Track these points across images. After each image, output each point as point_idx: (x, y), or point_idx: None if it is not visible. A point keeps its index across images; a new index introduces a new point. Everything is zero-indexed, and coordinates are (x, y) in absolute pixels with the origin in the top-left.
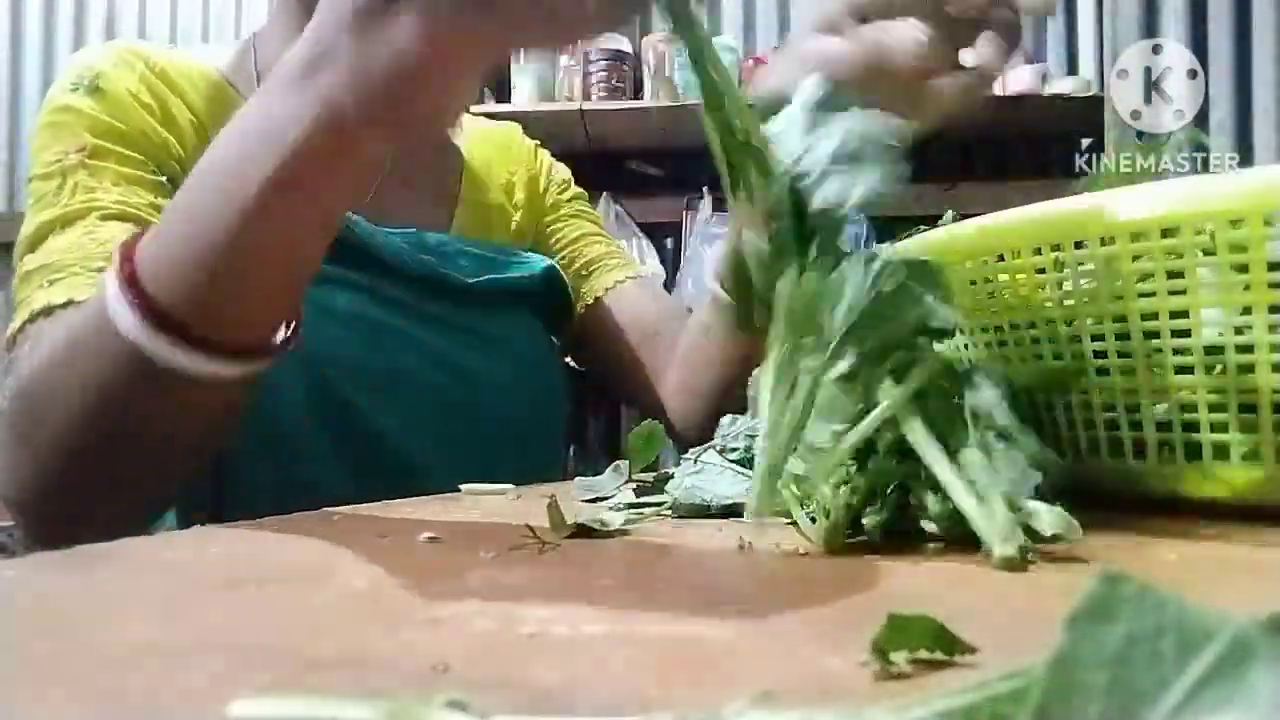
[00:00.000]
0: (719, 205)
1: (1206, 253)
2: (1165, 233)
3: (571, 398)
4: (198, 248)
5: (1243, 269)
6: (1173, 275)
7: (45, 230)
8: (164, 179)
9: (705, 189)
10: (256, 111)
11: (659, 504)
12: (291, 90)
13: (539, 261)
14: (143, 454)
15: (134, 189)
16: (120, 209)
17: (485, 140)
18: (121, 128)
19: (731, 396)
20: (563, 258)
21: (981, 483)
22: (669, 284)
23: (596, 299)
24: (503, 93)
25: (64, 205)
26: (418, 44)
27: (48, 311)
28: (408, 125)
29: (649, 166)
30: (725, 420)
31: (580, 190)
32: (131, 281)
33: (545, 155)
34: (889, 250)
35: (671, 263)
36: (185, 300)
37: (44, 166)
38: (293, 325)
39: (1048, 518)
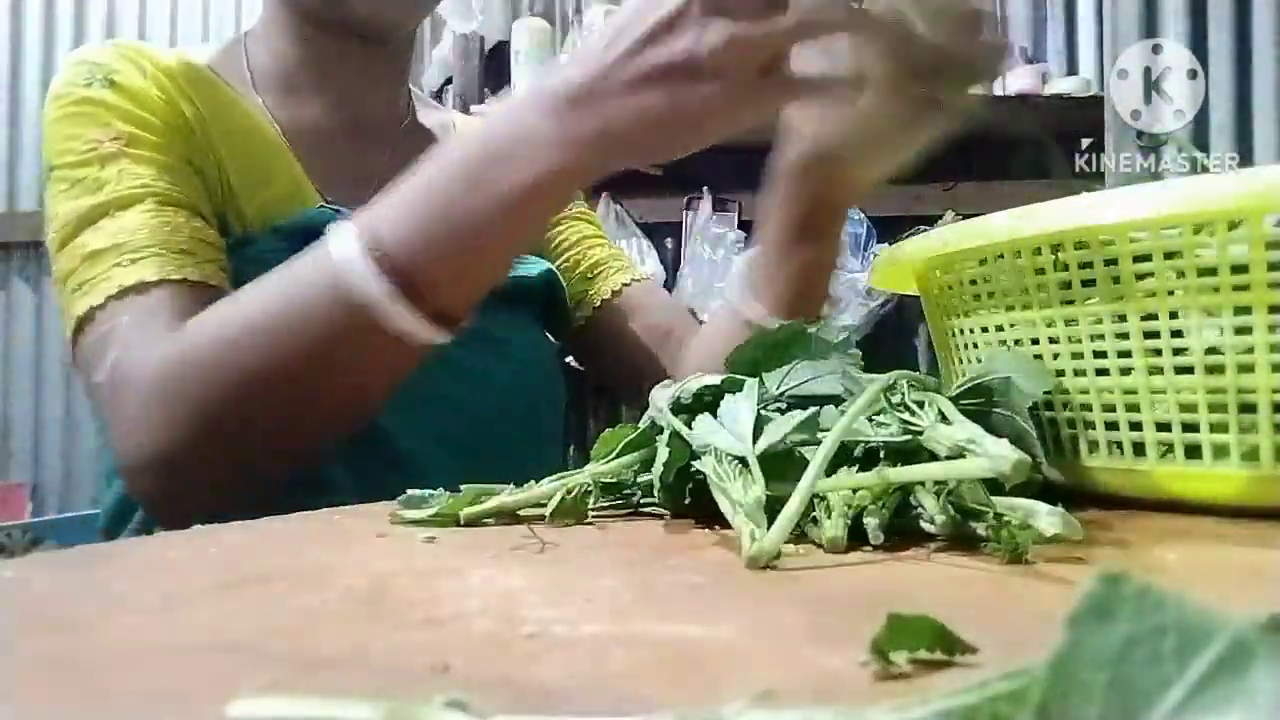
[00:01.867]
0: (719, 205)
1: (1204, 273)
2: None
3: (571, 398)
4: (444, 229)
5: (1243, 269)
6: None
7: (97, 213)
8: (197, 168)
9: (705, 189)
10: (507, 130)
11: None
12: (546, 119)
13: (537, 264)
14: (323, 413)
15: (178, 175)
16: (178, 196)
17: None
18: (148, 118)
19: None
20: (565, 260)
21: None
22: (669, 284)
23: (604, 301)
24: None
25: (113, 190)
26: (715, 47)
27: (141, 288)
28: (668, 151)
29: (649, 167)
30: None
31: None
32: (378, 249)
33: None
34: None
35: (671, 263)
36: (427, 271)
37: (76, 154)
38: None
39: (1048, 518)
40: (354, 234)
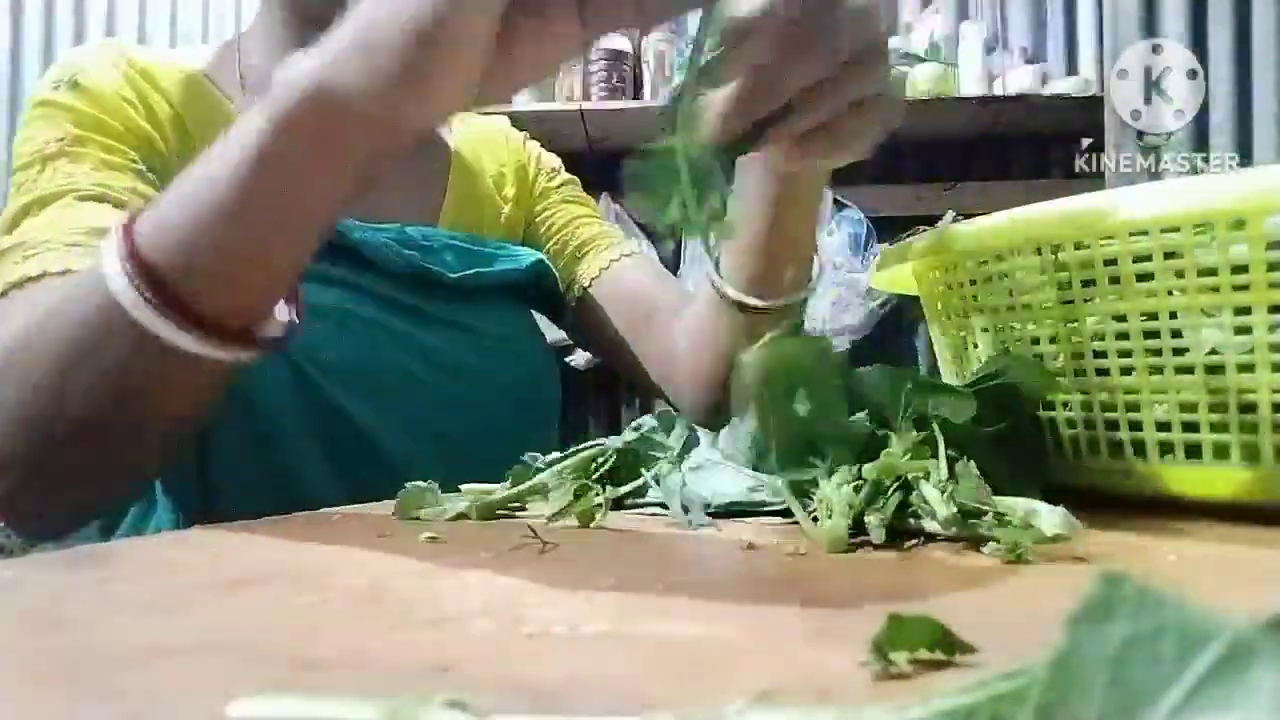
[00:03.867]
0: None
1: (1204, 273)
2: (1165, 233)
3: (570, 395)
4: (194, 221)
5: (1243, 269)
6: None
7: (21, 214)
8: (145, 168)
9: None
10: (248, 109)
11: (658, 502)
12: (290, 64)
13: (526, 255)
14: (120, 429)
15: (114, 174)
16: (99, 190)
17: (474, 133)
18: (103, 119)
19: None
20: (555, 243)
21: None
22: None
23: (592, 280)
24: None
25: (41, 190)
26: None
27: (19, 284)
28: (400, 121)
29: None
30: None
31: (571, 177)
32: (132, 253)
33: (534, 146)
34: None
35: (672, 263)
36: (181, 275)
37: (24, 157)
38: (287, 322)
39: (1048, 518)
40: (116, 232)
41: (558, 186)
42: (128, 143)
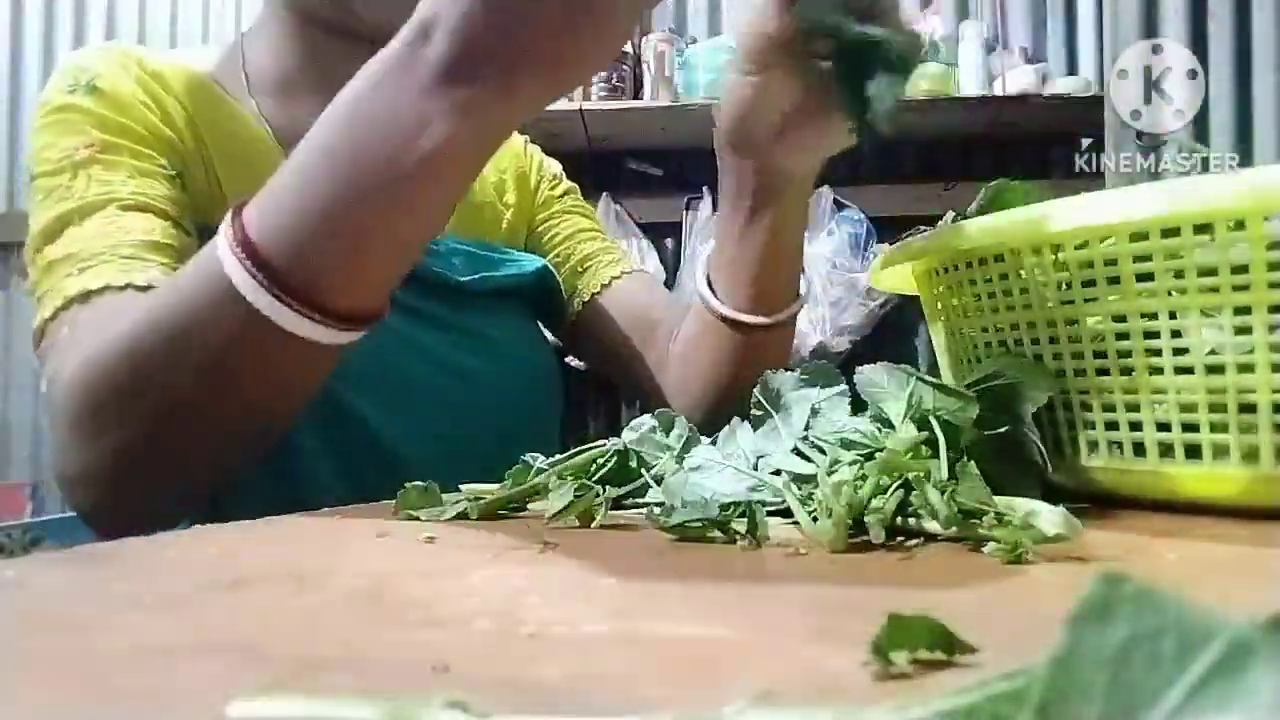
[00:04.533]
0: (719, 205)
1: (1204, 273)
2: (1165, 233)
3: (569, 397)
4: (313, 225)
5: (1243, 269)
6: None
7: (64, 222)
8: (175, 173)
9: (705, 189)
10: (386, 104)
11: (659, 502)
12: (427, 93)
13: (531, 261)
14: (235, 421)
15: (149, 181)
16: (141, 200)
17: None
18: (128, 124)
19: (730, 397)
20: (557, 254)
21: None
22: (669, 284)
23: (593, 295)
24: None
25: (80, 197)
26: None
27: (83, 297)
28: (559, 88)
29: (649, 166)
30: (736, 422)
31: (572, 185)
32: (249, 249)
33: (535, 151)
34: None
35: (671, 263)
36: (302, 267)
37: (51, 163)
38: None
39: (1049, 518)
40: (229, 226)
41: (560, 195)
42: (153, 147)
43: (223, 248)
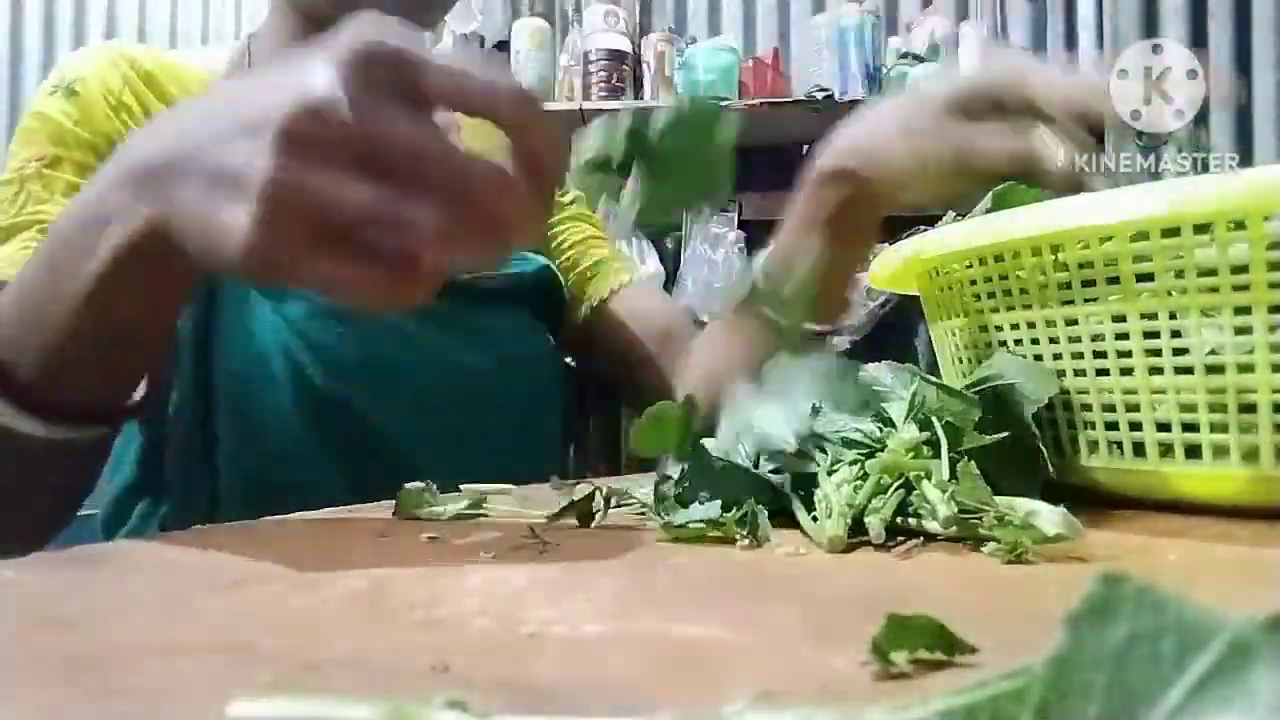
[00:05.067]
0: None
1: (1204, 273)
2: (1165, 233)
3: (571, 398)
4: (31, 319)
5: (1243, 269)
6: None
7: None
8: None
9: None
10: (86, 206)
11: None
12: (115, 196)
13: (533, 261)
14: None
15: None
16: None
17: (480, 138)
18: (85, 136)
19: None
20: (566, 259)
21: None
22: (669, 284)
23: (603, 301)
24: None
25: (11, 217)
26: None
27: None
28: (222, 262)
29: None
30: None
31: (579, 193)
32: None
33: None
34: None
35: (672, 263)
36: (26, 365)
37: (10, 172)
38: (144, 391)
39: (1049, 518)
40: None
41: (568, 202)
42: (106, 158)
43: None
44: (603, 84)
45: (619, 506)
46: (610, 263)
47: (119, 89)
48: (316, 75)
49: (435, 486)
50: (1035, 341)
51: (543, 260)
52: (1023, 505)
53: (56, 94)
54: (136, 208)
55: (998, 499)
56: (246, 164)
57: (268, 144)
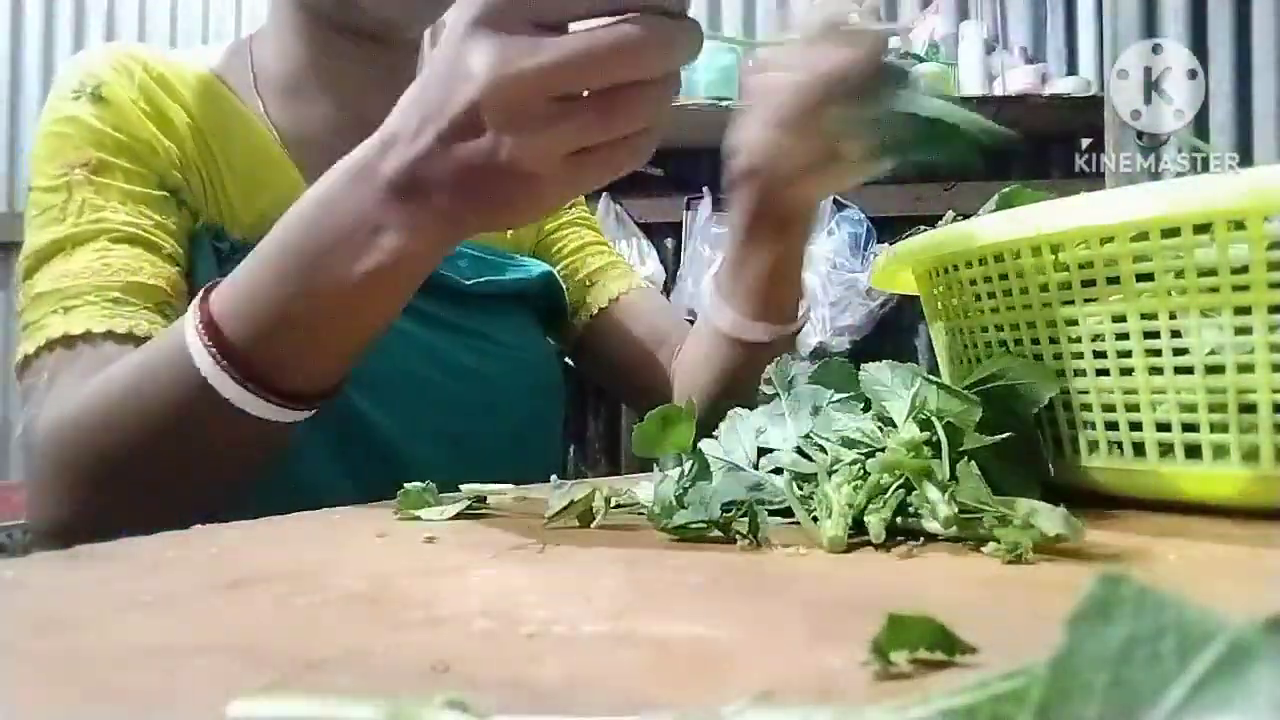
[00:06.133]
0: (719, 205)
1: (1204, 273)
2: (1165, 233)
3: (571, 398)
4: (277, 312)
5: (1243, 269)
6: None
7: (54, 250)
8: (167, 193)
9: (705, 189)
10: (342, 210)
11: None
12: (382, 205)
13: (536, 266)
14: (191, 482)
15: (140, 208)
16: (131, 232)
17: None
18: (125, 140)
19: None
20: (565, 268)
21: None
22: (669, 284)
23: (602, 309)
24: None
25: (72, 224)
26: (510, 153)
27: (67, 341)
28: (501, 225)
29: (649, 166)
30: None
31: (578, 198)
32: (210, 327)
33: None
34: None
35: (672, 263)
36: (258, 352)
37: (48, 179)
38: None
39: (1049, 518)
40: (197, 307)
41: (569, 207)
42: (150, 164)
43: (189, 326)
44: None
45: (619, 506)
46: (609, 269)
47: (136, 95)
48: (479, 44)
49: (435, 487)
50: (1035, 341)
51: (545, 266)
52: (1023, 505)
53: (81, 99)
54: (406, 216)
55: (998, 499)
56: (474, 143)
57: (472, 119)
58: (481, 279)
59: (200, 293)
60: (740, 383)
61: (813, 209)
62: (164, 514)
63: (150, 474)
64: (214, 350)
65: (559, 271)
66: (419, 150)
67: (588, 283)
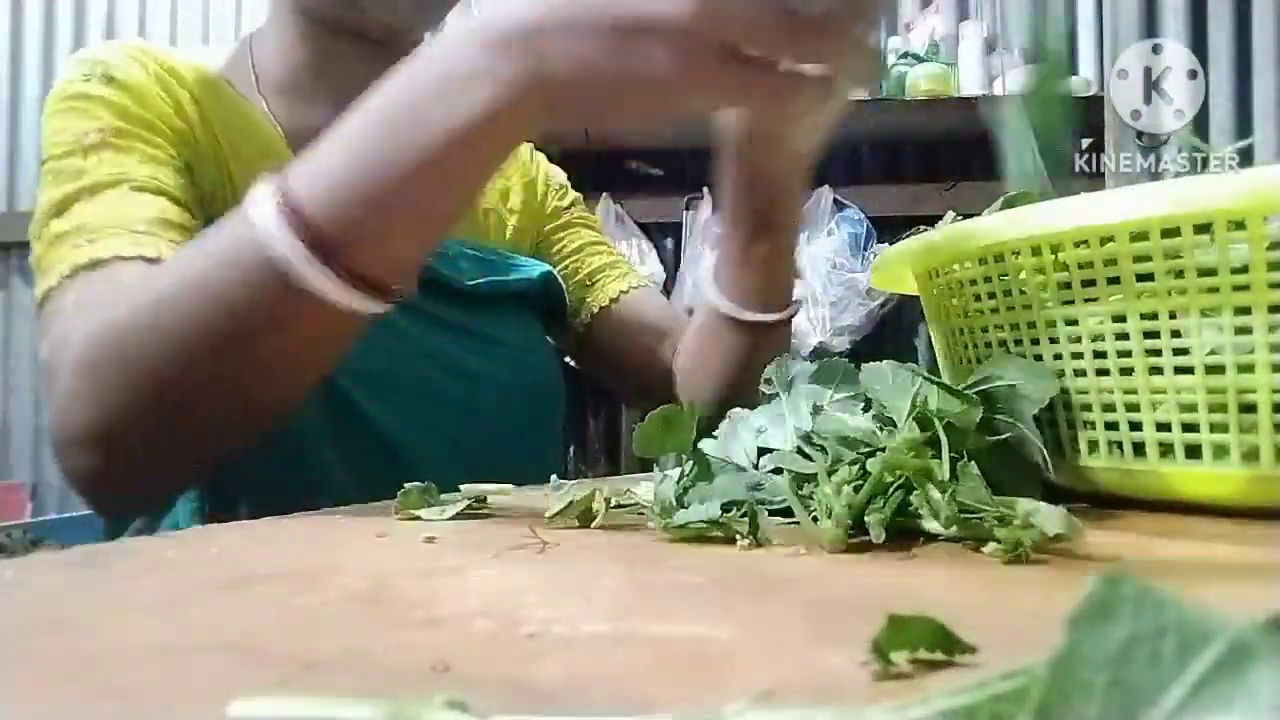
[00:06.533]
0: (719, 205)
1: (1204, 273)
2: (1165, 233)
3: (571, 398)
4: (363, 184)
5: (1243, 269)
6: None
7: (72, 198)
8: (186, 164)
9: (705, 189)
10: (438, 66)
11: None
12: (481, 52)
13: (536, 266)
14: (249, 389)
15: (162, 169)
16: (154, 184)
17: None
18: (142, 113)
19: (736, 396)
20: (565, 268)
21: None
22: (669, 284)
23: (602, 309)
24: None
25: (91, 177)
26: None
27: (92, 265)
28: (610, 119)
29: (649, 166)
30: (736, 413)
31: (577, 195)
32: (290, 204)
33: (541, 159)
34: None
35: (672, 263)
36: (344, 229)
37: (63, 146)
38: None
39: (1049, 517)
40: (270, 189)
41: (567, 206)
42: (165, 138)
43: (263, 209)
44: None
45: (619, 506)
46: (610, 269)
47: (149, 81)
48: None
49: (435, 488)
50: (1035, 342)
51: (545, 267)
52: (1023, 505)
53: (92, 80)
54: (508, 67)
55: (999, 499)
56: (657, 9)
57: None
58: (482, 279)
59: (266, 177)
60: (741, 367)
61: (797, 184)
62: (208, 422)
63: (205, 369)
64: (289, 227)
65: (559, 271)
66: (534, 7)
67: (588, 282)
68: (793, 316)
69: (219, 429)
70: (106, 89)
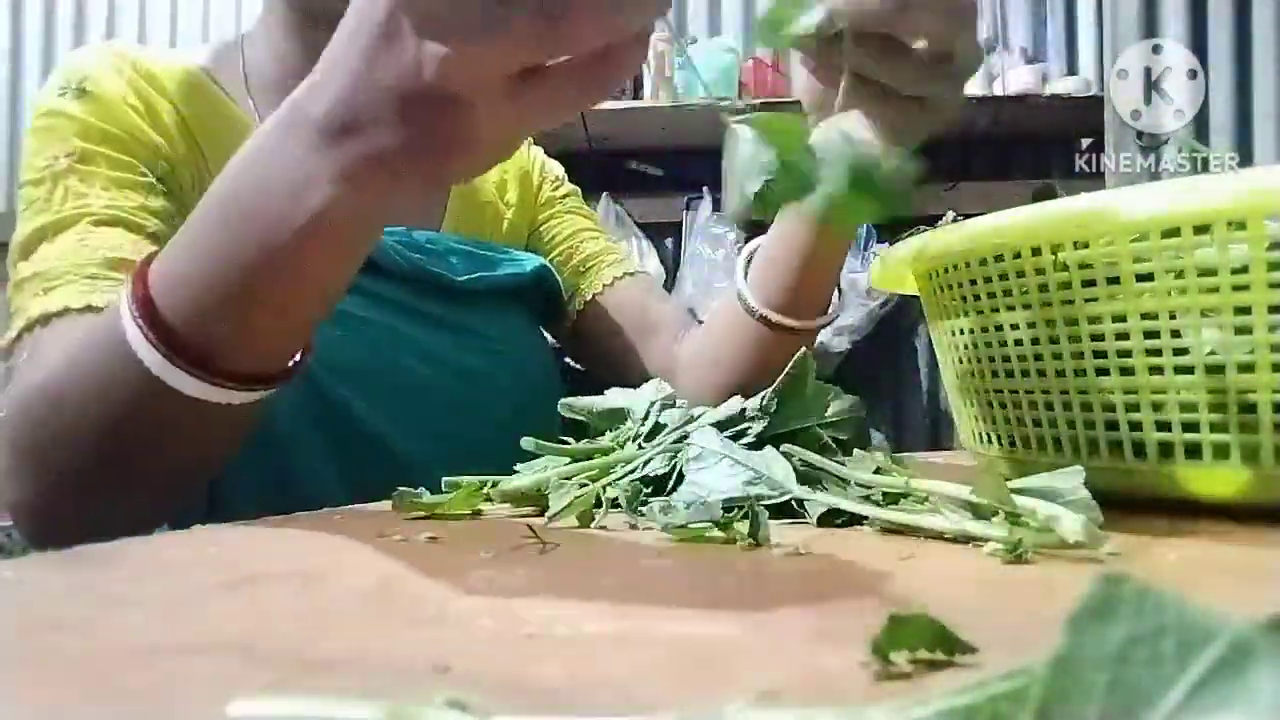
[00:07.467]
0: (719, 205)
1: (1204, 273)
2: (1165, 233)
3: (568, 396)
4: (219, 286)
5: (1243, 269)
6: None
7: (37, 237)
8: (153, 179)
9: (705, 189)
10: (274, 161)
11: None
12: (313, 151)
13: (530, 260)
14: (148, 469)
15: (124, 192)
16: (112, 214)
17: None
18: (110, 130)
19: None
20: (558, 254)
21: None
22: (669, 284)
23: (595, 295)
24: None
25: (55, 211)
26: (439, 68)
27: (44, 320)
28: (443, 176)
29: (649, 166)
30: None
31: (574, 187)
32: (146, 306)
33: (537, 152)
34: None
35: (672, 263)
36: (200, 331)
37: (34, 172)
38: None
39: (1071, 524)
40: (131, 299)
41: (562, 197)
42: (135, 153)
43: (124, 302)
44: None
45: (619, 506)
46: (602, 256)
47: (125, 90)
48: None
49: (427, 491)
50: (1035, 341)
51: (540, 260)
52: (1045, 510)
53: (66, 95)
54: (335, 166)
55: (1018, 498)
56: (396, 61)
57: (393, 28)
58: (474, 275)
59: (134, 273)
60: (761, 368)
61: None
62: (134, 500)
63: (98, 454)
64: (152, 336)
65: (553, 258)
66: (344, 80)
67: (582, 268)
68: (818, 328)
69: (136, 496)
70: (78, 104)
